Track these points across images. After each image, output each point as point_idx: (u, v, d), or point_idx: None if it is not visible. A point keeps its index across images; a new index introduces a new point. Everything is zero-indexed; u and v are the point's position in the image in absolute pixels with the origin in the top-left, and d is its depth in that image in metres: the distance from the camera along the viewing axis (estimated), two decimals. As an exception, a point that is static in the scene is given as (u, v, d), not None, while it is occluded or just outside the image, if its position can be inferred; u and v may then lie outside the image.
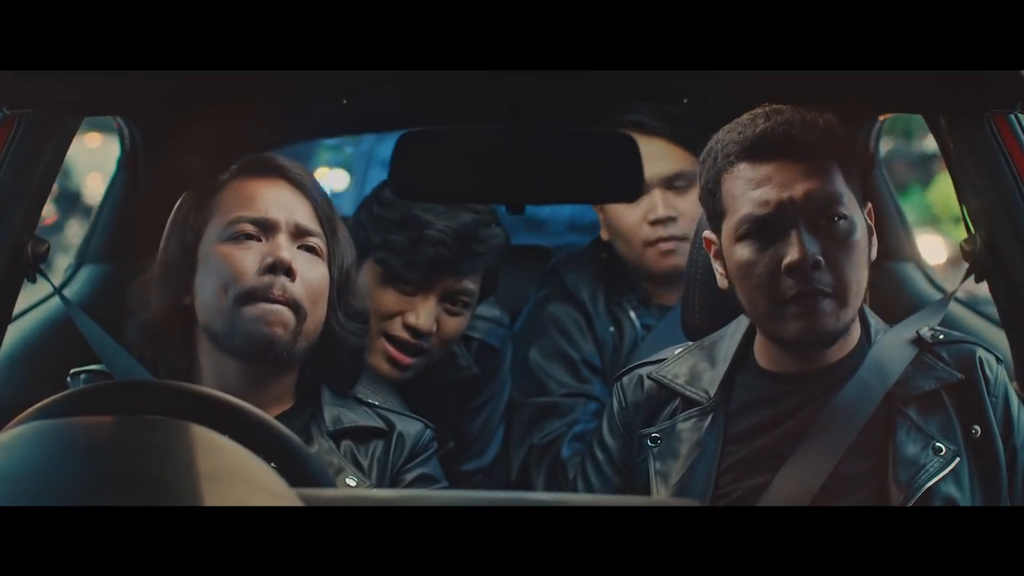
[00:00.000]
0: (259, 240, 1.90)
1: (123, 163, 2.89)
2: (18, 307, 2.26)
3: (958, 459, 1.83)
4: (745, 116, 1.88)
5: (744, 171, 1.84)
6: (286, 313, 1.87)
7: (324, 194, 1.99)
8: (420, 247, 2.34)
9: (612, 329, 2.69)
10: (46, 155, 2.11)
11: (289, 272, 1.87)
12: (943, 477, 1.81)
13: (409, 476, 1.98)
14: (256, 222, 1.91)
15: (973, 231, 2.12)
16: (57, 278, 2.84)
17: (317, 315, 1.92)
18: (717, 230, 1.91)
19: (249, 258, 1.89)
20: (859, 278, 1.84)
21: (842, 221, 1.82)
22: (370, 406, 2.02)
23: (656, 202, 2.60)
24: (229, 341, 1.89)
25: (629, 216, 2.65)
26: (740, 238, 1.84)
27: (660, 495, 1.90)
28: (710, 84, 2.05)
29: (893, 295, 2.81)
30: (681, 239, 2.60)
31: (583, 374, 2.66)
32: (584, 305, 2.70)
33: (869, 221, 1.90)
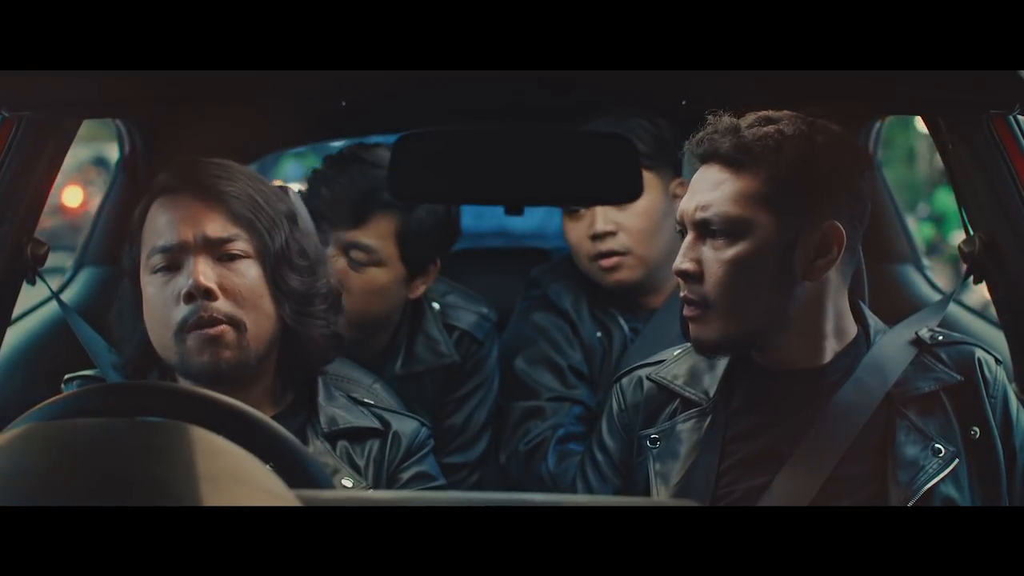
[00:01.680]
0: (174, 269, 1.86)
1: (122, 165, 2.90)
2: (17, 309, 2.26)
3: (957, 460, 1.83)
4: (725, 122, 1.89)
5: (694, 174, 1.88)
6: (226, 332, 1.83)
7: (241, 189, 1.91)
8: (317, 203, 2.40)
9: (599, 334, 2.69)
10: (45, 157, 2.11)
11: (208, 294, 1.82)
12: (942, 478, 1.81)
13: (406, 475, 1.97)
14: (166, 250, 1.86)
15: (972, 232, 2.12)
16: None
17: (263, 317, 1.88)
18: None
19: (169, 291, 1.85)
20: (751, 295, 1.82)
21: (729, 237, 1.81)
22: (365, 406, 2.01)
23: (596, 216, 2.61)
24: (186, 372, 1.87)
25: (574, 231, 2.65)
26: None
27: (660, 496, 1.90)
28: (709, 84, 2.05)
29: (893, 296, 2.82)
30: (623, 254, 2.61)
31: (570, 380, 2.67)
32: (568, 314, 2.70)
33: (828, 240, 1.82)
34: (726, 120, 1.85)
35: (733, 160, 1.82)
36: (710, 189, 1.83)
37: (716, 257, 1.82)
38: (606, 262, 2.62)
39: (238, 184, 1.91)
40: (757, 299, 1.83)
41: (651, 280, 2.66)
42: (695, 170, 1.89)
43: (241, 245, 1.88)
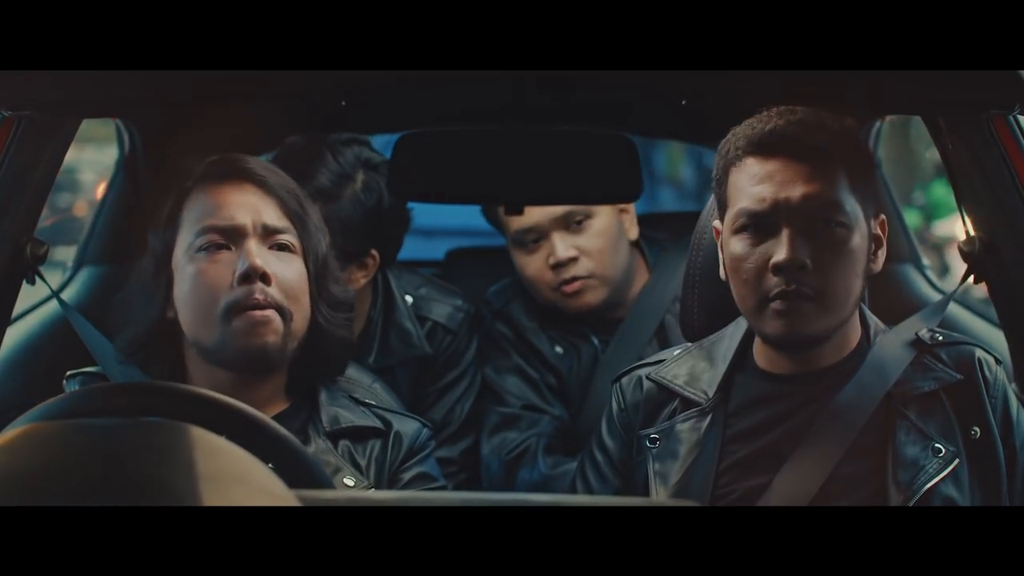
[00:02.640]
0: (229, 248, 1.87)
1: (123, 164, 2.90)
2: (17, 308, 2.26)
3: (957, 460, 1.83)
4: (763, 112, 1.88)
5: (750, 166, 1.84)
6: (274, 319, 1.84)
7: (291, 188, 1.95)
8: None
9: (559, 349, 2.69)
10: (45, 156, 2.11)
11: (264, 277, 1.84)
12: (943, 478, 1.81)
13: (407, 475, 1.97)
14: (223, 230, 1.87)
15: (972, 232, 2.12)
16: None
17: (301, 313, 1.89)
18: (723, 221, 1.91)
19: (222, 269, 1.85)
20: (849, 287, 1.83)
21: (838, 228, 1.81)
22: (367, 406, 2.01)
23: (555, 245, 2.59)
24: (221, 355, 1.86)
25: (532, 264, 2.64)
26: (736, 231, 1.85)
27: (659, 496, 1.90)
28: (709, 84, 2.05)
29: (893, 296, 2.81)
30: (587, 277, 2.60)
31: (543, 393, 2.67)
32: (524, 333, 2.70)
33: (879, 232, 1.89)
34: (802, 113, 1.85)
35: (820, 151, 1.82)
36: (807, 180, 1.81)
37: (829, 248, 1.80)
38: (569, 288, 2.61)
39: (289, 184, 1.96)
40: (854, 291, 1.84)
41: (614, 296, 2.66)
42: (733, 162, 1.86)
43: (292, 239, 1.91)
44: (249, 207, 1.89)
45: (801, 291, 1.79)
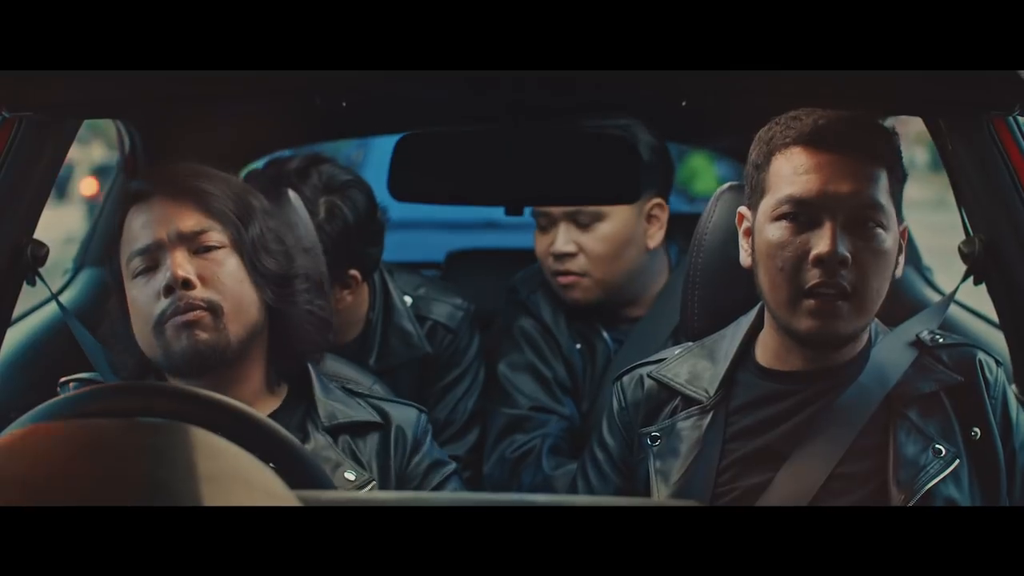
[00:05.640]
0: (154, 268, 1.88)
1: (123, 165, 2.90)
2: (18, 310, 2.26)
3: (958, 461, 1.83)
4: (808, 109, 1.88)
5: (797, 155, 1.83)
6: (202, 317, 1.84)
7: (206, 187, 1.93)
8: None
9: (579, 346, 2.69)
10: (45, 158, 2.11)
11: (187, 284, 1.84)
12: (943, 479, 1.82)
13: (422, 467, 1.97)
14: (143, 252, 1.88)
15: (972, 233, 2.12)
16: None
17: (243, 303, 1.88)
18: (754, 207, 1.90)
19: (150, 291, 1.87)
20: (881, 289, 1.83)
21: (878, 229, 1.81)
22: (361, 396, 2.01)
23: (558, 235, 2.61)
24: (169, 365, 1.88)
25: (540, 244, 2.67)
26: (776, 218, 1.83)
27: (660, 494, 1.90)
28: (709, 84, 2.05)
29: (894, 298, 2.81)
30: (580, 275, 2.61)
31: (555, 392, 2.67)
32: (547, 325, 2.70)
33: (900, 240, 1.89)
34: (853, 113, 1.86)
35: (869, 152, 1.82)
36: (855, 177, 1.81)
37: (869, 248, 1.80)
38: (563, 280, 2.63)
39: (210, 183, 1.94)
40: (883, 293, 1.85)
41: (614, 298, 2.65)
42: (779, 148, 1.85)
43: (216, 236, 1.90)
44: (164, 220, 1.89)
45: (840, 286, 1.78)
